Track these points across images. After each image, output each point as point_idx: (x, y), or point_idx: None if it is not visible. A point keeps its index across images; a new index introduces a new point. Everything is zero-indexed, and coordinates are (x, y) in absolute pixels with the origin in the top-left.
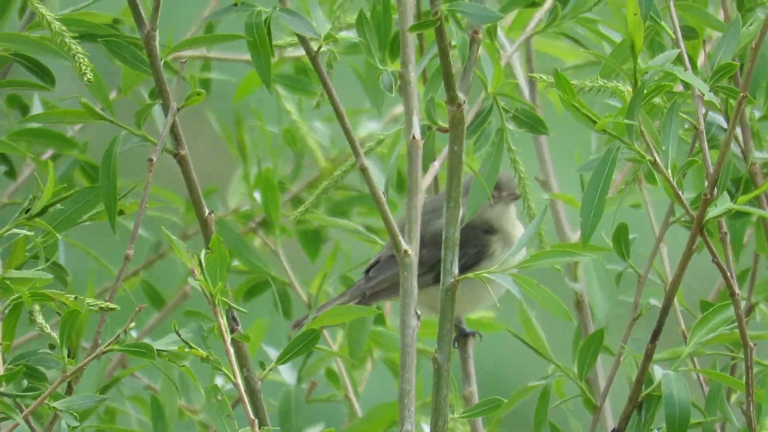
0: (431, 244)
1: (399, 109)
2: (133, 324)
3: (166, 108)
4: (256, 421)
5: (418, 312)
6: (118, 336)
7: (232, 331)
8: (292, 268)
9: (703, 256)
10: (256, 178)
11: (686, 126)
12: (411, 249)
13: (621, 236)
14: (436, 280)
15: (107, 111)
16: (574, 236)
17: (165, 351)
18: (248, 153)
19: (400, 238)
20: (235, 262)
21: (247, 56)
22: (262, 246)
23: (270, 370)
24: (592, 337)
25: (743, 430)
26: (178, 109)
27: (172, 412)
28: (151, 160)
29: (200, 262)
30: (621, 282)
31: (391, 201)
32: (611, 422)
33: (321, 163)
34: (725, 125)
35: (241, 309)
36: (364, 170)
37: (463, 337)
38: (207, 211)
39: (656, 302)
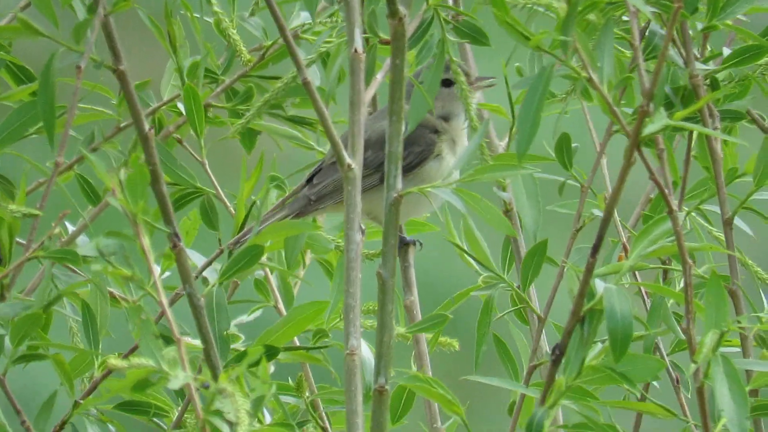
0: (376, 144)
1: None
2: (58, 230)
3: (104, 22)
4: (182, 339)
5: (363, 227)
6: (42, 243)
7: (174, 246)
8: (217, 179)
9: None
10: (188, 69)
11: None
12: (354, 163)
13: (563, 146)
14: (382, 180)
15: (52, 26)
16: (502, 144)
17: (91, 257)
18: (178, 45)
19: (344, 152)
20: None
21: None
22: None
23: (213, 286)
24: (535, 249)
25: (683, 343)
26: (106, 16)
27: (104, 318)
28: (79, 67)
29: (120, 181)
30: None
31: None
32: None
33: (245, 56)
34: (661, 30)
35: (161, 227)
36: (306, 84)
37: (403, 245)
38: (147, 127)
39: (599, 212)
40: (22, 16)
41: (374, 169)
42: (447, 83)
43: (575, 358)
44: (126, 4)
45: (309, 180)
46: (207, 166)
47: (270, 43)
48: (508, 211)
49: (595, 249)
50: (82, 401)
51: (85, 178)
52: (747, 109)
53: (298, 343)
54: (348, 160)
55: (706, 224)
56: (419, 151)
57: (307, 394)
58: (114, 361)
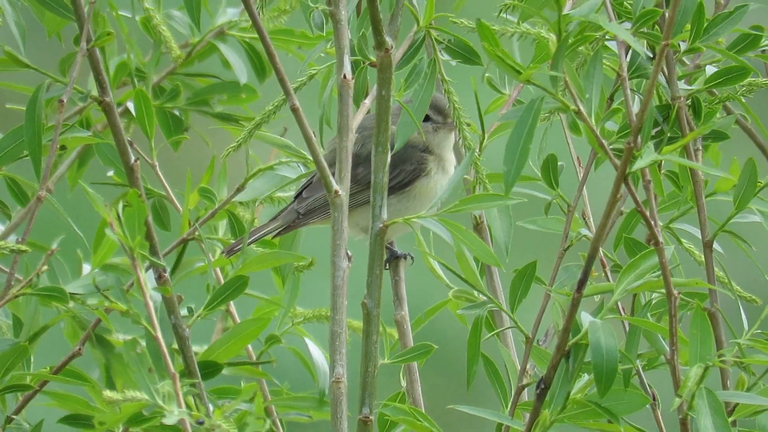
0: (368, 161)
1: None
2: (45, 267)
3: (91, 54)
4: (177, 375)
5: (349, 253)
6: (31, 279)
7: (160, 278)
8: (168, 180)
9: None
10: (116, 68)
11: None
12: (342, 189)
13: (549, 166)
14: None
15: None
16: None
17: (78, 294)
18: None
19: (331, 177)
20: (111, 172)
21: None
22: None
23: (198, 317)
24: (524, 269)
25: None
26: (88, 50)
27: (35, 328)
28: (61, 101)
29: (118, 215)
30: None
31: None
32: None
33: (175, 52)
34: (649, 54)
35: (160, 263)
36: (295, 111)
37: (394, 259)
38: (133, 159)
39: (586, 231)
40: (9, 49)
41: (365, 185)
42: (425, 119)
43: (560, 393)
44: (108, 39)
45: (299, 194)
46: (157, 168)
47: (196, 40)
48: (478, 225)
49: (581, 284)
50: (14, 416)
51: (13, 178)
52: (736, 119)
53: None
54: (335, 185)
55: (677, 242)
56: (411, 169)
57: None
58: (109, 393)
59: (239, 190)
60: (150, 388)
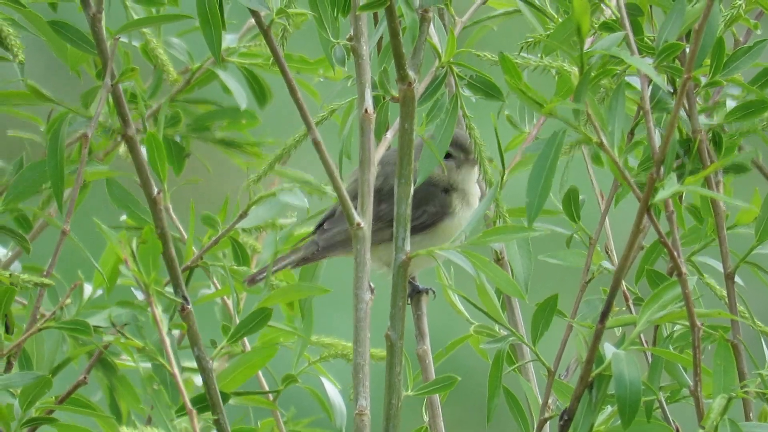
0: (390, 197)
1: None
2: (69, 300)
3: (114, 89)
4: (195, 411)
5: (372, 285)
6: (54, 313)
7: (183, 310)
8: (181, 222)
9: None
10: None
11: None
12: (364, 222)
13: (571, 199)
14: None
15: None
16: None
17: (101, 327)
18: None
19: (353, 210)
20: (124, 217)
21: None
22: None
23: (221, 348)
24: (546, 302)
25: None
26: (112, 85)
27: (40, 361)
28: (86, 135)
29: (132, 251)
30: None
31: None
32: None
33: (172, 76)
34: (669, 88)
35: (174, 298)
36: (317, 144)
37: (416, 294)
38: (156, 191)
39: (608, 264)
40: (31, 82)
41: (388, 222)
42: (446, 156)
43: (584, 424)
44: (133, 75)
45: (321, 224)
46: (171, 210)
47: (195, 66)
48: (498, 261)
49: (604, 315)
50: None
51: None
52: (752, 159)
53: (264, 383)
54: (357, 218)
55: (698, 276)
56: (434, 212)
57: None
58: (126, 430)
59: (242, 216)
60: (168, 424)
